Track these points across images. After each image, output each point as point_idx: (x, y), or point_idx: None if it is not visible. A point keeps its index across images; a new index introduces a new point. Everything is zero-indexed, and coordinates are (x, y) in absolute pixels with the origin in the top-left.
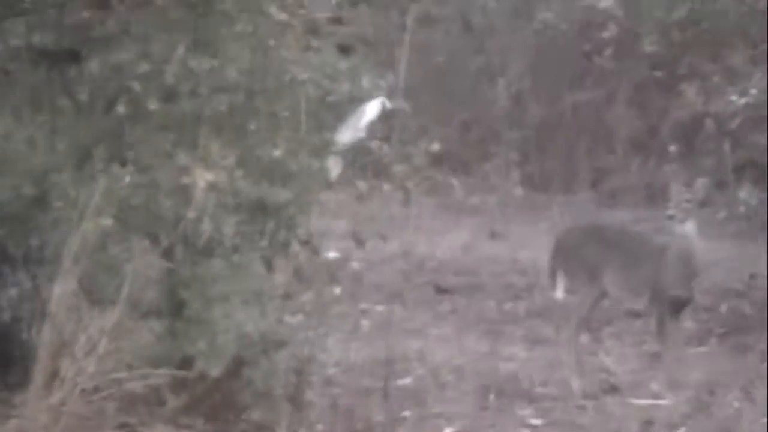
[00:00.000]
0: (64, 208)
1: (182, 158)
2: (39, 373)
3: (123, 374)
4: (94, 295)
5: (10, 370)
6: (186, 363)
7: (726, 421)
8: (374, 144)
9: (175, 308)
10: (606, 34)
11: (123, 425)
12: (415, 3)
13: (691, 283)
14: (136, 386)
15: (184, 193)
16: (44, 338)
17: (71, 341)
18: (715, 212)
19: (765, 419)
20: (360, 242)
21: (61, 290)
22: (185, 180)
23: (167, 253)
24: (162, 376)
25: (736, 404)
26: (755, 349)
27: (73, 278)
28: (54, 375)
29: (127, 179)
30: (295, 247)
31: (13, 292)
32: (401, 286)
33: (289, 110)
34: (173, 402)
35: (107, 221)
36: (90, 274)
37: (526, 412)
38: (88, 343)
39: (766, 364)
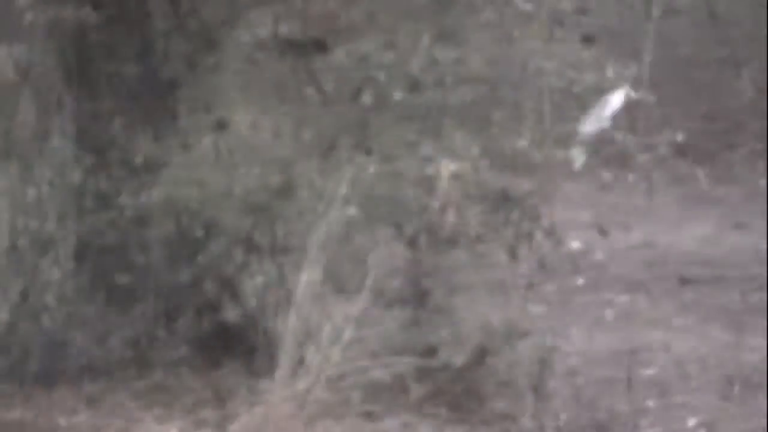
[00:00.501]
0: (310, 198)
1: (426, 148)
2: (284, 361)
3: (367, 363)
4: (339, 283)
5: (255, 358)
6: (430, 352)
7: None
8: (618, 134)
9: (418, 297)
10: None
11: (367, 413)
12: None
13: None
14: (380, 375)
15: (428, 183)
16: (290, 326)
17: (316, 329)
18: None
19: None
20: (603, 232)
21: (307, 279)
22: (429, 170)
23: (411, 243)
24: (406, 364)
25: None
26: None
27: (318, 267)
28: (299, 363)
29: (372, 169)
30: (539, 237)
31: (259, 280)
32: (644, 277)
33: (533, 101)
34: (417, 391)
35: (352, 211)
36: (335, 263)
37: None
38: (333, 332)
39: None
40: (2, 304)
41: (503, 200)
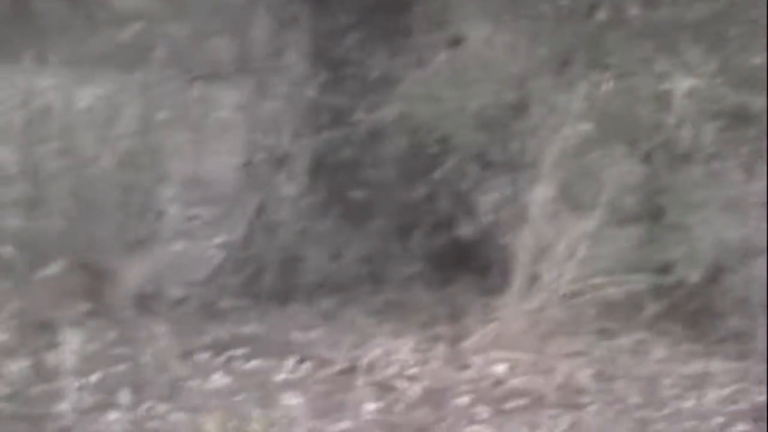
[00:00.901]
0: (544, 114)
1: (662, 65)
2: (518, 278)
3: (601, 280)
4: (573, 200)
5: (489, 275)
6: (664, 269)
7: None
8: None
9: (653, 214)
10: None
11: (601, 331)
12: None
13: None
14: (615, 292)
15: (663, 100)
16: (524, 243)
17: (550, 246)
18: None
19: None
20: None
21: (541, 196)
22: (665, 86)
23: (646, 159)
24: (640, 282)
25: None
26: None
27: (552, 184)
28: (533, 280)
29: (606, 85)
30: None
31: (493, 196)
32: None
33: None
34: (651, 308)
35: (587, 127)
36: (569, 180)
37: None
38: (567, 249)
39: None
40: (238, 220)
41: (739, 117)
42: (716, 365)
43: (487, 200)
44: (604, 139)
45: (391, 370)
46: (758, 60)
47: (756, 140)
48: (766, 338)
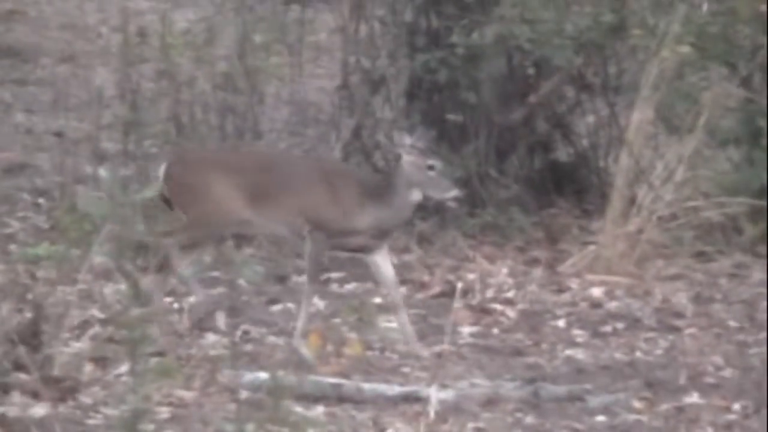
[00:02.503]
0: (643, 36)
1: None
2: (616, 201)
3: (699, 203)
4: (671, 123)
5: (587, 198)
6: (763, 192)
7: None
8: None
9: (752, 137)
10: None
11: (699, 253)
12: None
13: None
14: (713, 215)
15: (763, 21)
16: (621, 166)
17: (648, 169)
18: None
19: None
20: None
21: (639, 118)
22: (764, 8)
23: (745, 82)
24: (739, 205)
25: None
26: None
27: (650, 106)
28: (631, 202)
29: (705, 7)
30: None
31: (591, 119)
32: None
33: None
34: (750, 231)
35: (685, 49)
36: (667, 102)
37: None
38: (665, 171)
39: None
40: (335, 142)
41: None
42: None
43: (585, 122)
44: (703, 61)
45: (489, 293)
46: None
47: None
48: None
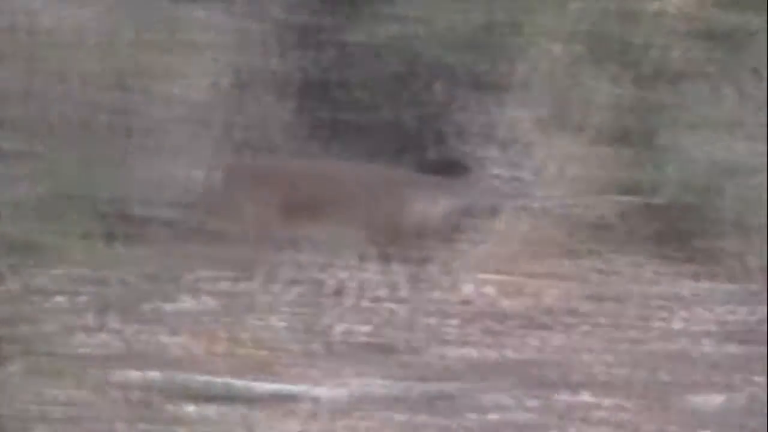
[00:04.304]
0: (535, 34)
1: None
2: (508, 199)
3: (593, 201)
4: (563, 121)
5: (480, 196)
6: (656, 190)
7: None
8: None
9: (645, 135)
10: None
11: (592, 251)
12: None
13: None
14: (606, 213)
15: (654, 20)
16: (514, 163)
17: (541, 167)
18: None
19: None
20: None
21: (532, 116)
22: (655, 6)
23: (637, 80)
24: (631, 202)
25: None
26: None
27: (543, 104)
28: (524, 200)
29: (598, 6)
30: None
31: (483, 117)
32: None
33: None
34: (642, 229)
35: (578, 48)
36: (560, 100)
37: None
38: (558, 170)
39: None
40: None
41: (730, 38)
42: (707, 286)
43: (477, 121)
44: (595, 59)
45: (381, 292)
46: None
47: (747, 60)
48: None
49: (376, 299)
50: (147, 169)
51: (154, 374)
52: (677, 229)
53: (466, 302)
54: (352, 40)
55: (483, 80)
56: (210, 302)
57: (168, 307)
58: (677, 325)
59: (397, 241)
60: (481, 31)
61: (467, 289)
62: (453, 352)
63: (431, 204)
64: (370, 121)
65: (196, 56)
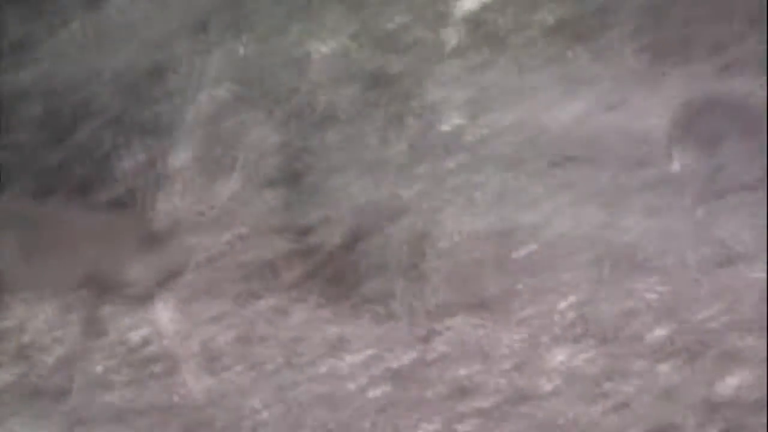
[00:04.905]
0: (181, 79)
1: (300, 28)
2: (154, 242)
3: (241, 243)
4: (212, 164)
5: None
6: (304, 232)
7: None
8: (491, 15)
9: (292, 178)
10: None
11: (239, 295)
12: None
13: None
14: (252, 256)
15: (300, 64)
16: (160, 209)
17: (195, 212)
18: None
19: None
20: (476, 113)
21: (180, 159)
22: (301, 51)
23: (283, 124)
24: (279, 246)
25: None
26: None
27: (191, 148)
28: (170, 243)
29: (244, 50)
30: (411, 118)
31: (132, 161)
32: (517, 158)
33: None
34: (290, 272)
35: (225, 91)
36: (208, 144)
37: (640, 285)
38: (219, 211)
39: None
40: None
41: (375, 81)
42: (355, 329)
43: (125, 165)
44: (243, 103)
45: (26, 338)
46: (395, 24)
47: (392, 103)
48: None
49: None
50: None
51: None
52: (325, 272)
53: (112, 347)
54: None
55: (148, 124)
56: None
57: None
58: (325, 367)
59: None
60: (145, 76)
61: (113, 333)
62: (110, 397)
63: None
64: (37, 164)
65: None
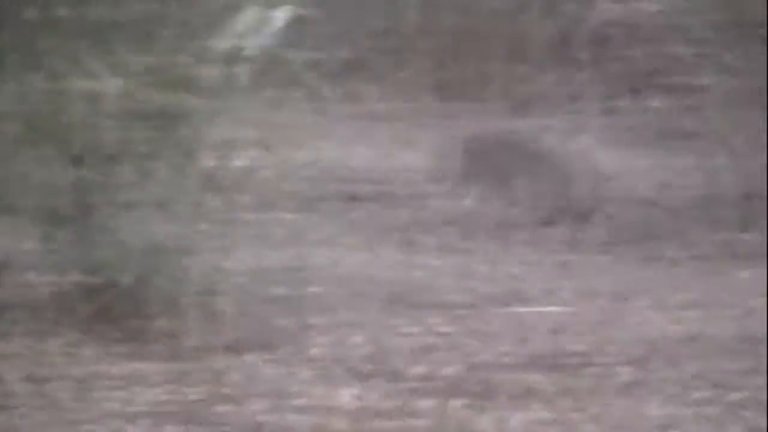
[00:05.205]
0: None
1: (93, 65)
2: None
3: (30, 280)
4: (1, 201)
5: None
6: (95, 270)
7: (636, 329)
8: (284, 51)
9: (83, 214)
10: None
11: (30, 332)
12: None
13: (596, 192)
14: (44, 293)
15: (93, 100)
16: None
17: None
18: (624, 120)
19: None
20: (270, 150)
21: None
22: (95, 86)
23: (76, 160)
24: (70, 283)
25: (646, 312)
26: (665, 258)
27: None
28: None
29: (38, 86)
30: (204, 154)
31: None
32: (312, 195)
33: (200, 18)
34: (82, 310)
35: (15, 128)
36: None
37: (432, 321)
38: None
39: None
40: None
41: (168, 118)
42: (146, 366)
43: None
44: (34, 140)
45: None
46: (186, 62)
47: (184, 140)
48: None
49: None
50: None
51: None
52: (116, 310)
53: None
54: None
55: None
56: None
57: None
58: (116, 405)
59: None
60: None
61: None
62: None
63: None
64: None
65: None
